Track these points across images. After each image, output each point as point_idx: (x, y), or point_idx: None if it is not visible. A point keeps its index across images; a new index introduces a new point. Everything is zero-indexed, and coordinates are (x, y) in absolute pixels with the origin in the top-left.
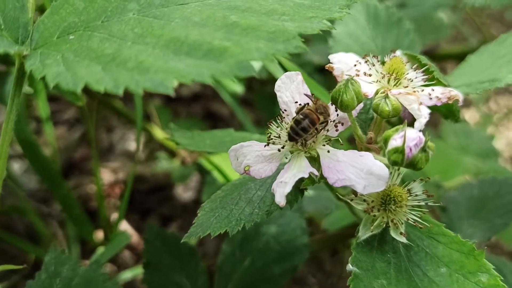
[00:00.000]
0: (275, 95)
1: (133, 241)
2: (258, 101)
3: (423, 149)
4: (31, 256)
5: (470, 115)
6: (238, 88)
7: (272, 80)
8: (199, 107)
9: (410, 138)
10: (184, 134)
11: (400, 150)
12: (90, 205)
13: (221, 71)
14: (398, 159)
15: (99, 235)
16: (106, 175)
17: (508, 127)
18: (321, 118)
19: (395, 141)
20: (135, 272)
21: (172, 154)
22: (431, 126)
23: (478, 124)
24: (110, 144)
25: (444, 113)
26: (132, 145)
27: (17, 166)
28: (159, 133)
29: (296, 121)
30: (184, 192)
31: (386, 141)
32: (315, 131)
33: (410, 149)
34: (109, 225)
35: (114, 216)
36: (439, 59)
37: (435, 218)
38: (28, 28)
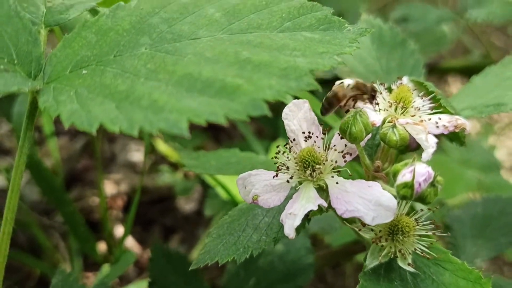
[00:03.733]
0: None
1: (136, 253)
2: None
3: (432, 184)
4: (35, 269)
5: (471, 125)
6: None
7: None
8: None
9: (419, 173)
10: (190, 154)
11: (409, 185)
12: (93, 217)
13: (234, 110)
14: (407, 194)
15: (102, 247)
16: (109, 187)
17: (509, 136)
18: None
19: (404, 176)
20: (138, 287)
21: (174, 167)
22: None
23: (479, 134)
24: (112, 155)
25: (450, 137)
26: (134, 156)
27: None
28: (161, 146)
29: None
30: (186, 204)
31: (395, 175)
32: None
33: (420, 184)
34: (113, 238)
35: (117, 228)
36: (442, 72)
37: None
38: (41, 61)
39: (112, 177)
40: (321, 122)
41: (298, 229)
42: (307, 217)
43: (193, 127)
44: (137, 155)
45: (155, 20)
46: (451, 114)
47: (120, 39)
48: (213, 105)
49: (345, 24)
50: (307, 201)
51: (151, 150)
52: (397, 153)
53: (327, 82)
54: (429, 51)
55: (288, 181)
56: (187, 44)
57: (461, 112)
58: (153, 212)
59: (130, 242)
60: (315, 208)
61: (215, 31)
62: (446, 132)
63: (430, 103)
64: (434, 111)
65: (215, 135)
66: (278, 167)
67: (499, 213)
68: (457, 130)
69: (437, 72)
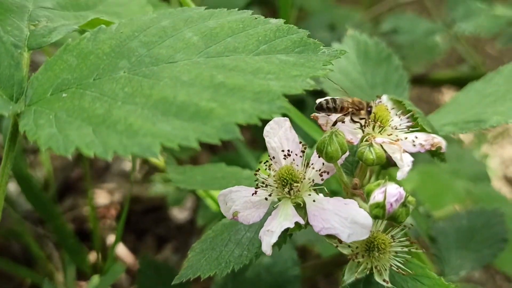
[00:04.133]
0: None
1: (128, 262)
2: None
3: (404, 204)
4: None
5: (464, 134)
6: None
7: None
8: None
9: (390, 194)
10: (176, 169)
11: (381, 206)
12: (87, 226)
13: (207, 134)
14: (379, 214)
15: (95, 256)
16: (102, 196)
17: (502, 145)
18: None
19: (376, 197)
20: None
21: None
22: None
23: (472, 143)
24: (106, 164)
25: (431, 153)
26: (128, 165)
27: (12, 188)
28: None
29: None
30: (179, 213)
31: (368, 195)
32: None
33: (391, 205)
34: (105, 248)
35: (110, 237)
36: (433, 83)
37: (424, 249)
38: (23, 85)
39: (105, 187)
40: (301, 140)
41: (279, 244)
42: (287, 233)
43: None
44: (131, 164)
45: (134, 44)
46: (428, 132)
47: (100, 62)
48: (186, 129)
49: (320, 46)
50: (284, 218)
51: (143, 160)
52: (379, 169)
53: (319, 93)
54: (422, 61)
55: (266, 199)
56: (164, 67)
57: (443, 128)
58: (146, 221)
59: (123, 252)
60: (292, 225)
61: (192, 55)
62: (423, 151)
63: (408, 122)
64: (411, 129)
65: (210, 145)
66: (257, 184)
67: (483, 225)
68: (433, 149)
69: (429, 82)
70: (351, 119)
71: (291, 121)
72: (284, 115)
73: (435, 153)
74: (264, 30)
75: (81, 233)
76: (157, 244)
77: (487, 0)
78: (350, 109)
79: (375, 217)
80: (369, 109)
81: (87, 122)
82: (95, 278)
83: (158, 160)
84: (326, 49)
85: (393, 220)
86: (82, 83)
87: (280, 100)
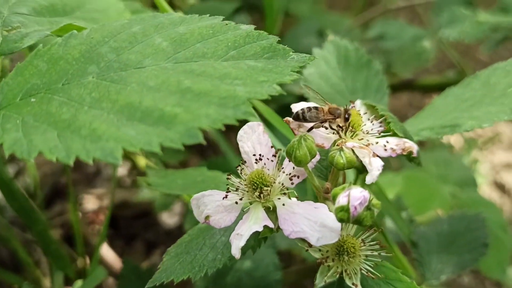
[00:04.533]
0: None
1: (117, 268)
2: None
3: (368, 208)
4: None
5: (455, 139)
6: None
7: None
8: None
9: (354, 197)
10: (157, 173)
11: (345, 209)
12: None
13: (170, 139)
14: (344, 217)
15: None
16: (91, 201)
17: (492, 151)
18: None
19: (340, 200)
20: None
21: None
22: None
23: (462, 148)
24: (96, 169)
25: (407, 157)
26: (119, 171)
27: None
28: (142, 161)
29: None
30: (169, 218)
31: (334, 199)
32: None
33: (355, 208)
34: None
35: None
36: (420, 89)
37: (406, 253)
38: None
39: (95, 192)
40: (273, 146)
41: (253, 247)
42: (261, 237)
43: None
44: (122, 170)
45: (104, 49)
46: (400, 137)
47: (69, 67)
48: (150, 134)
49: (290, 53)
50: (254, 222)
51: (133, 165)
52: (357, 173)
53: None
54: (411, 66)
55: (237, 202)
56: (132, 73)
57: (420, 132)
58: (135, 226)
59: (111, 257)
60: (260, 229)
61: (161, 60)
62: (394, 155)
63: (380, 126)
64: (384, 134)
65: (199, 150)
66: (228, 188)
67: (464, 230)
68: (404, 153)
69: (416, 88)
70: (329, 127)
71: (270, 125)
72: (264, 120)
73: (410, 158)
74: (234, 36)
75: (70, 239)
76: (146, 249)
77: (471, 7)
78: (327, 119)
79: (340, 221)
80: (346, 116)
81: (53, 127)
82: (78, 283)
83: (119, 163)
84: (295, 55)
85: (358, 223)
86: (51, 88)
87: (245, 105)
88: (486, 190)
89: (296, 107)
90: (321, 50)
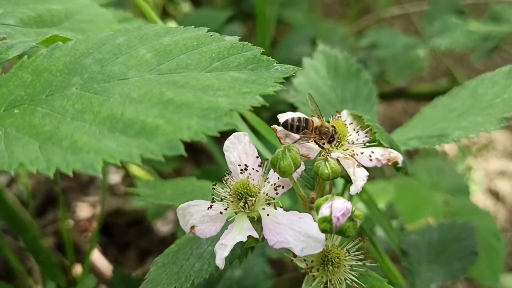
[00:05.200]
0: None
1: (110, 276)
2: None
3: (351, 218)
4: None
5: (449, 146)
6: None
7: None
8: None
9: (337, 208)
10: (147, 183)
11: (328, 220)
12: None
13: (150, 151)
14: (327, 228)
15: (78, 269)
16: (84, 209)
17: (486, 158)
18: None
19: (323, 211)
20: None
21: None
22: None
23: (457, 156)
24: (91, 177)
25: (395, 167)
26: (113, 178)
27: None
28: (135, 170)
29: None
30: (163, 226)
31: (317, 209)
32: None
33: (338, 219)
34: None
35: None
36: (413, 97)
37: (397, 262)
38: None
39: (88, 200)
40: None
41: (240, 256)
42: (247, 247)
43: None
44: (116, 177)
45: (88, 61)
46: (386, 147)
47: (53, 79)
48: (131, 145)
49: (274, 64)
50: (239, 232)
51: (127, 173)
52: (345, 183)
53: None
54: (405, 74)
55: (221, 212)
56: (115, 84)
57: (408, 142)
58: (129, 234)
59: (104, 265)
60: (244, 239)
61: (144, 72)
62: (379, 165)
63: (365, 137)
64: (370, 144)
65: (194, 157)
66: (213, 198)
67: (454, 239)
68: (390, 163)
69: (409, 96)
70: (315, 142)
71: (260, 134)
72: (253, 129)
73: (396, 168)
74: (218, 47)
75: (63, 247)
76: (140, 257)
77: (463, 16)
78: (313, 136)
79: (323, 231)
80: (331, 139)
81: (34, 139)
82: None
83: (100, 176)
84: (279, 66)
85: (341, 234)
86: (34, 99)
87: (227, 116)
88: (480, 198)
89: (283, 117)
90: (311, 59)
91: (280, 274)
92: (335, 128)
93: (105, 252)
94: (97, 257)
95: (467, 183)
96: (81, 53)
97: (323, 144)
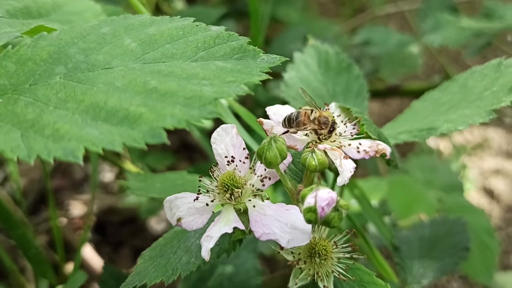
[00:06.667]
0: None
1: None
2: None
3: (336, 209)
4: None
5: (444, 145)
6: (207, 123)
7: None
8: (175, 138)
9: (321, 198)
10: (136, 176)
11: (313, 210)
12: (60, 238)
13: (132, 138)
14: (312, 218)
15: (70, 267)
16: (78, 207)
17: (481, 157)
18: (312, 124)
19: (308, 201)
20: None
21: None
22: (399, 160)
23: (451, 155)
24: (85, 175)
25: (385, 161)
26: (107, 176)
27: None
28: (129, 167)
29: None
30: (156, 224)
31: (302, 200)
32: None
33: (323, 209)
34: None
35: (84, 248)
36: (406, 94)
37: (388, 258)
38: None
39: (82, 198)
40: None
41: (228, 250)
42: (235, 240)
43: (165, 147)
44: (110, 175)
45: (72, 50)
46: (374, 139)
47: (37, 68)
48: (113, 133)
49: (260, 53)
50: (225, 224)
51: (120, 171)
52: (334, 177)
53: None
54: (398, 72)
55: (207, 204)
56: (99, 73)
57: (398, 135)
58: (123, 233)
59: (98, 263)
60: (230, 231)
61: (129, 61)
62: (367, 157)
63: (353, 129)
64: (358, 136)
65: (188, 155)
66: (199, 190)
67: (445, 234)
68: (377, 155)
69: (402, 93)
70: (314, 133)
71: (249, 127)
72: (246, 126)
73: (387, 161)
74: (204, 37)
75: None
76: (134, 255)
77: (455, 13)
78: (314, 126)
79: (308, 222)
80: (331, 129)
81: (17, 127)
82: None
83: (81, 163)
84: (265, 56)
85: (327, 225)
86: (18, 88)
87: (211, 105)
88: (475, 196)
89: (271, 110)
90: (302, 54)
91: (273, 270)
92: (334, 121)
93: (98, 251)
94: (90, 255)
95: (460, 180)
96: (66, 42)
97: (323, 134)
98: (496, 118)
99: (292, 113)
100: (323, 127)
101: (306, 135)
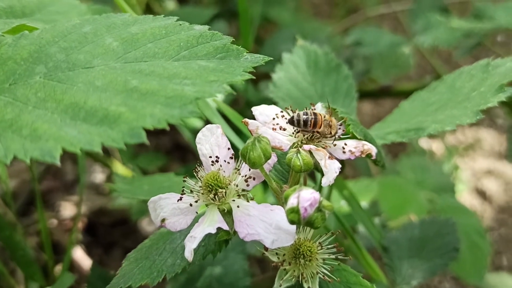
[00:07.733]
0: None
1: None
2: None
3: (319, 209)
4: None
5: (436, 146)
6: (198, 123)
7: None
8: (167, 139)
9: (304, 198)
10: (124, 179)
11: (295, 210)
12: (51, 239)
13: (111, 138)
14: (295, 219)
15: (60, 269)
16: (68, 208)
17: (473, 158)
18: (322, 128)
19: (291, 201)
20: None
21: None
22: (391, 160)
23: (443, 155)
24: (76, 176)
25: (373, 160)
26: (97, 177)
27: None
28: (119, 168)
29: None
30: (148, 225)
31: (286, 200)
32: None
33: (306, 209)
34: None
35: (75, 250)
36: (398, 95)
37: (379, 259)
38: None
39: (73, 199)
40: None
41: (214, 251)
42: (221, 240)
43: (157, 148)
44: (101, 176)
45: (53, 49)
46: (359, 139)
47: (17, 67)
48: (92, 133)
49: (243, 53)
50: (209, 224)
51: (111, 172)
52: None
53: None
54: (390, 73)
55: (191, 204)
56: (80, 73)
57: (386, 136)
58: (115, 234)
59: (89, 265)
60: (214, 231)
61: (110, 60)
62: (353, 158)
63: (339, 129)
64: (344, 136)
65: (181, 156)
66: (183, 190)
67: (435, 235)
68: (363, 155)
69: (394, 94)
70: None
71: (236, 127)
72: (231, 123)
73: (373, 161)
74: (187, 36)
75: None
76: (125, 256)
77: (446, 13)
78: (323, 130)
79: (291, 222)
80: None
81: None
82: None
83: (58, 164)
84: (249, 55)
85: (310, 225)
86: None
87: (192, 104)
88: (467, 197)
89: (257, 110)
90: (290, 55)
91: (264, 271)
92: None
93: (89, 252)
94: (81, 256)
95: (452, 181)
96: (47, 41)
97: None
98: (488, 119)
99: (308, 116)
100: (332, 131)
101: (289, 135)
